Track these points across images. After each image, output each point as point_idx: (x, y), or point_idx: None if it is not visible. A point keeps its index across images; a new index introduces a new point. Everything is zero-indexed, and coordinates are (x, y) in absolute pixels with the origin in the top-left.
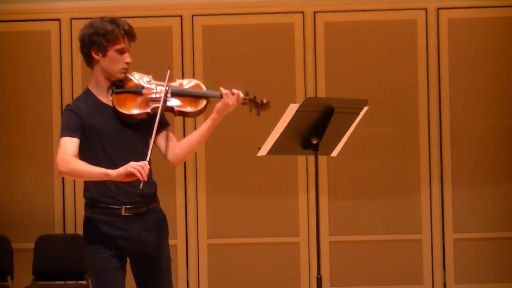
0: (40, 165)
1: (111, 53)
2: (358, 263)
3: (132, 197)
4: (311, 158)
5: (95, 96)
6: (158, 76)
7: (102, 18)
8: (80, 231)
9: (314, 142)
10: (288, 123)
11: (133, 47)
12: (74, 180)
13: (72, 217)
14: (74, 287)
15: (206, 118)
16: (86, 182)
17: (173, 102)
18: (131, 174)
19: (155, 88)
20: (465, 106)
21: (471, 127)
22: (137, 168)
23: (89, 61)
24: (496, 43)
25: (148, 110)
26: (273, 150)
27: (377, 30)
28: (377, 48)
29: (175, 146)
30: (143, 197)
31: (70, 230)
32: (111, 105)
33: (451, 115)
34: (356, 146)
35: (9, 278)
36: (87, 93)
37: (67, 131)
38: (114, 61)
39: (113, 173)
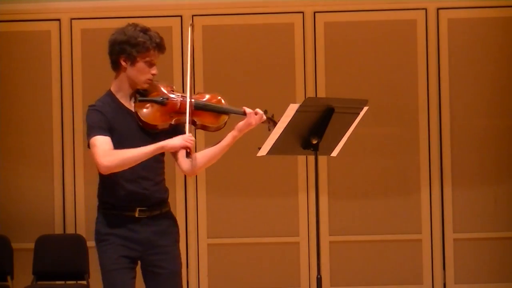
0: (40, 165)
1: (140, 64)
2: (358, 263)
3: (145, 200)
4: (311, 158)
5: (118, 100)
6: (177, 86)
7: (135, 27)
8: (80, 231)
9: (314, 142)
10: (288, 123)
11: None
12: (74, 180)
13: (72, 217)
14: (74, 287)
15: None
16: (99, 184)
17: (196, 116)
18: (186, 147)
19: (178, 99)
20: (465, 106)
21: (471, 127)
22: (191, 142)
23: (116, 67)
24: (496, 43)
25: (172, 122)
26: (273, 150)
27: (377, 30)
28: (377, 48)
29: (193, 158)
30: (157, 202)
31: (70, 230)
32: (134, 111)
33: (451, 115)
34: (356, 146)
35: (9, 278)
36: (111, 95)
37: (99, 130)
38: (141, 72)
39: (166, 144)
